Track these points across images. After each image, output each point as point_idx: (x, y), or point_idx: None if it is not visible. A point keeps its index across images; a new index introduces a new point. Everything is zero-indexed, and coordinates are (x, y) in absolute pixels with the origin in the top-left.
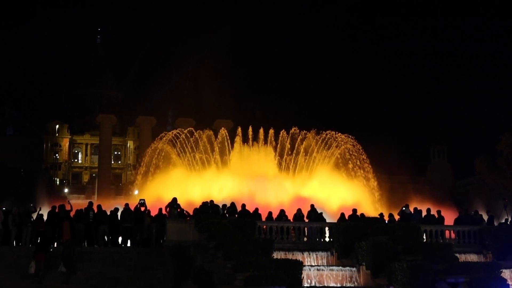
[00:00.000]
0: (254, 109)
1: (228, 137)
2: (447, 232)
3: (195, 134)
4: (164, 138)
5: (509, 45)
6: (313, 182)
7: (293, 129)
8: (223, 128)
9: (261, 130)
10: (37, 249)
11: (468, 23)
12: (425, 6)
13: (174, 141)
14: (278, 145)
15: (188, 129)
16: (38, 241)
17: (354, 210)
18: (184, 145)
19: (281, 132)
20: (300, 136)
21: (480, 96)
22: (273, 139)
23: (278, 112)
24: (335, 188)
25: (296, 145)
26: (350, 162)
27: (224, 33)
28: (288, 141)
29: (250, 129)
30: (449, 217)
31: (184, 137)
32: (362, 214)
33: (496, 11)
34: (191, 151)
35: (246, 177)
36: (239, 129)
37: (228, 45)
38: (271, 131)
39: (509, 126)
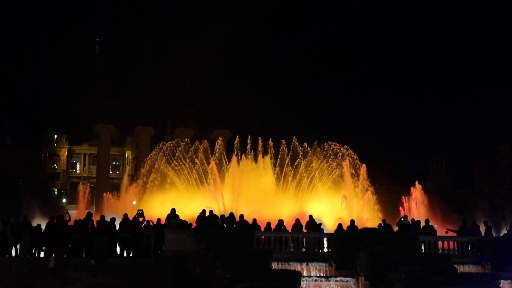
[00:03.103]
0: (253, 119)
1: (225, 150)
2: (445, 243)
3: (191, 147)
4: (162, 151)
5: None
6: (313, 196)
7: (293, 141)
8: (220, 138)
9: (260, 143)
10: (56, 244)
11: (466, 32)
12: (422, 12)
13: (171, 155)
14: (278, 157)
15: (185, 140)
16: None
17: (352, 221)
18: (182, 158)
19: (281, 144)
20: (301, 150)
21: (479, 106)
22: (272, 150)
23: (277, 121)
24: (334, 201)
25: (296, 158)
26: (347, 173)
27: (223, 43)
28: (288, 154)
29: (249, 143)
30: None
31: (181, 149)
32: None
33: (497, 19)
34: (188, 161)
35: (245, 192)
36: (237, 140)
37: (227, 55)
38: (270, 143)
39: (508, 136)
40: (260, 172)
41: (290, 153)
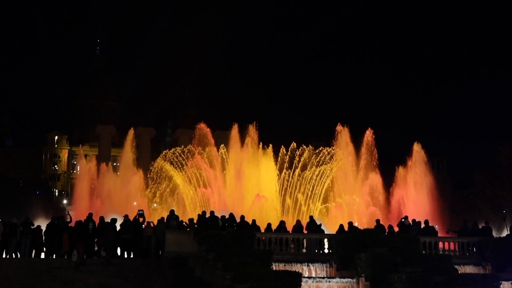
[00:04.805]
0: (253, 119)
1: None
2: (446, 244)
3: (195, 152)
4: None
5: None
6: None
7: (292, 145)
8: (222, 146)
9: (260, 146)
10: (78, 238)
11: (466, 33)
12: (420, 13)
13: (173, 160)
14: (278, 161)
15: (188, 147)
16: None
17: (350, 223)
18: (183, 162)
19: (280, 149)
20: (298, 152)
21: (479, 107)
22: (271, 151)
23: (277, 122)
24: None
25: (294, 162)
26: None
27: (223, 44)
28: (287, 158)
29: (250, 147)
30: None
31: (183, 155)
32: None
33: (497, 20)
34: (190, 164)
35: (245, 196)
36: (237, 137)
37: (227, 56)
38: (270, 147)
39: (508, 137)
40: (262, 175)
41: (288, 158)
